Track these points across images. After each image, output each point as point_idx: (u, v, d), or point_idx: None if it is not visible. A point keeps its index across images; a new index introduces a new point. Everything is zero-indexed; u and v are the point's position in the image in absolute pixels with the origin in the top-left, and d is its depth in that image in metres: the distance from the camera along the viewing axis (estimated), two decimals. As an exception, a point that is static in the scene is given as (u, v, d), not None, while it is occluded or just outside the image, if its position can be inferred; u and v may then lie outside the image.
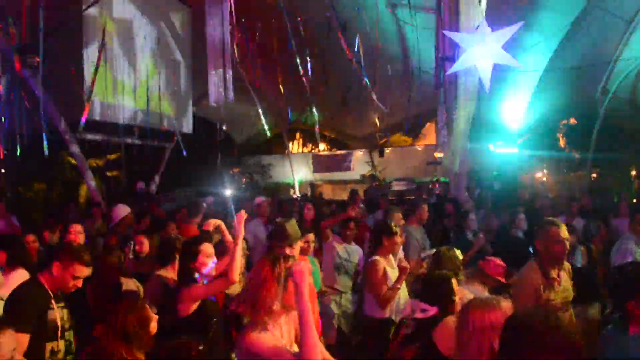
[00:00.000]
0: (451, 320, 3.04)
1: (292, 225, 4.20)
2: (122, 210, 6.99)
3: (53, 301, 3.37)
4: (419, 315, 3.33)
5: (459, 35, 6.91)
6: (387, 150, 20.77)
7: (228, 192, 9.83)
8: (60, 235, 6.84)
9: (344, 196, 16.61)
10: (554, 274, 3.72)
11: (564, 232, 3.73)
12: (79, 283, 3.43)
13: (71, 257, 3.37)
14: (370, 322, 4.80)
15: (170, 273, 4.12)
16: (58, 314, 3.37)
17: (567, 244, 3.74)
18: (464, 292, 3.81)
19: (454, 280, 3.44)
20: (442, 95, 10.67)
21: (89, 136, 12.40)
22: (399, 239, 4.92)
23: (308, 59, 13.15)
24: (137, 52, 12.88)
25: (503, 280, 4.20)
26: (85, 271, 3.42)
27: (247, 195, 13.21)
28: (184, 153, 12.10)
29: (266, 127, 14.57)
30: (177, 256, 4.03)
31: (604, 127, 16.10)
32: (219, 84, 8.12)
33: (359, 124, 20.47)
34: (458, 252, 4.42)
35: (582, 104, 16.57)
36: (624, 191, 12.83)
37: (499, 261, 4.38)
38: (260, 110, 14.29)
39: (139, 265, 5.16)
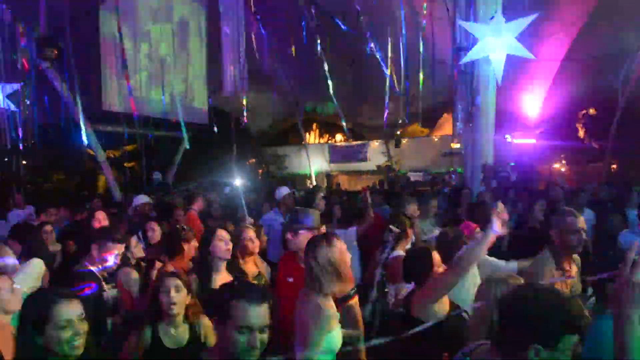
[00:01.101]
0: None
1: (316, 214, 4.20)
2: (140, 200, 7.28)
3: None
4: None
5: (474, 25, 6.84)
6: (404, 141, 20.69)
7: (239, 182, 9.78)
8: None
9: (359, 187, 16.62)
10: (566, 265, 3.64)
11: (581, 222, 3.63)
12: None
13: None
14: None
15: (178, 264, 4.18)
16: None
17: (584, 234, 3.63)
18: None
19: (434, 253, 3.43)
20: (459, 85, 10.59)
21: (107, 127, 12.55)
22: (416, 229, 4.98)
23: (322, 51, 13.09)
24: (152, 43, 12.95)
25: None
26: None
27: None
28: (188, 147, 12.09)
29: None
30: (184, 246, 4.22)
31: (624, 117, 15.83)
32: (233, 75, 8.14)
33: (375, 114, 20.41)
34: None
35: (601, 94, 16.29)
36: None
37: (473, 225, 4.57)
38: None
39: (150, 252, 5.21)
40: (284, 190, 7.65)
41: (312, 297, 2.87)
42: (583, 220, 3.68)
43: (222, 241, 3.96)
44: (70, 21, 10.14)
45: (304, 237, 3.65)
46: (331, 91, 13.66)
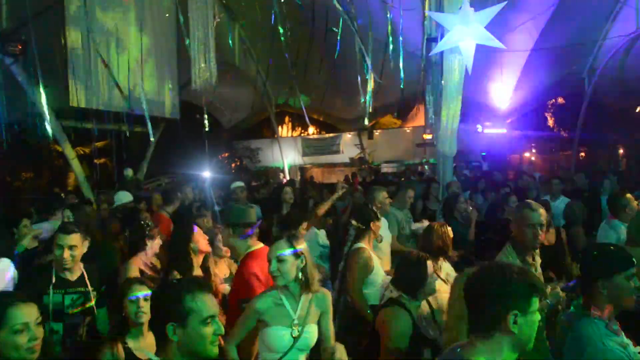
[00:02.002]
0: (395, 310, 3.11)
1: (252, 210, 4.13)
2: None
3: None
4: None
5: (442, 15, 6.88)
6: (377, 133, 20.75)
7: (208, 175, 9.65)
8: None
9: (333, 179, 16.62)
10: (529, 259, 3.55)
11: (537, 216, 3.48)
12: None
13: None
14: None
15: (140, 261, 4.15)
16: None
17: (541, 229, 3.50)
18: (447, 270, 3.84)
19: (429, 263, 3.33)
20: (430, 76, 10.63)
21: (76, 124, 12.31)
22: (381, 223, 4.91)
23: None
24: (121, 37, 12.72)
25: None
26: None
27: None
28: (152, 139, 11.91)
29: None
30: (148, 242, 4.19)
31: (591, 106, 16.15)
32: (202, 69, 8.06)
33: (347, 106, 20.42)
34: (449, 230, 4.35)
35: (569, 83, 16.58)
36: (611, 170, 12.90)
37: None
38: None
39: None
40: (236, 184, 7.78)
41: None
42: (544, 214, 3.55)
43: (202, 236, 4.08)
44: (34, 15, 9.89)
45: (228, 233, 3.66)
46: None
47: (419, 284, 3.24)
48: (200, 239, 4.10)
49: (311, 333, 3.00)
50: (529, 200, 3.83)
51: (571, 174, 11.96)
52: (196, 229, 4.19)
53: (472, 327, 1.99)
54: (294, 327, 2.93)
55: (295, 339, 2.93)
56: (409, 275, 3.27)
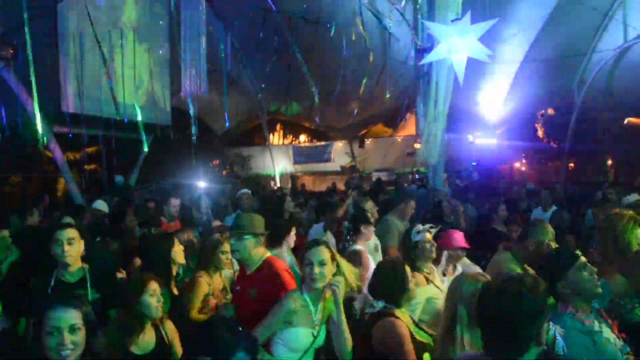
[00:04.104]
0: (393, 321, 3.04)
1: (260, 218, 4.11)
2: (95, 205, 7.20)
3: None
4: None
5: (435, 27, 6.93)
6: (367, 141, 20.81)
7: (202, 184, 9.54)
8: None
9: (324, 187, 16.63)
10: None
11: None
12: None
13: None
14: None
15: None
16: None
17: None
18: (419, 278, 3.81)
19: (407, 269, 3.26)
20: (421, 86, 10.72)
21: (66, 129, 12.23)
22: (373, 228, 4.97)
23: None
24: (114, 44, 12.70)
25: (466, 245, 4.31)
26: None
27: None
28: (146, 149, 11.89)
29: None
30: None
31: (580, 117, 16.31)
32: (193, 77, 8.06)
33: (339, 115, 20.48)
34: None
35: (559, 95, 16.75)
36: (600, 181, 13.04)
37: (456, 232, 4.48)
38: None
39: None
40: (243, 191, 7.66)
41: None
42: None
43: (180, 247, 4.11)
44: (27, 20, 9.85)
45: (248, 242, 3.60)
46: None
47: (398, 290, 3.16)
48: (179, 251, 4.13)
49: (324, 332, 3.12)
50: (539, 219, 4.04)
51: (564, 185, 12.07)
52: (176, 241, 4.20)
53: (498, 349, 2.01)
54: (314, 328, 3.04)
55: (315, 338, 3.04)
56: (388, 282, 3.19)
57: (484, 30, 6.52)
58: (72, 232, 3.65)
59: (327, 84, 15.69)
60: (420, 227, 4.07)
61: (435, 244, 4.05)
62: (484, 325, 2.05)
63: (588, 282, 2.66)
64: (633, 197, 6.43)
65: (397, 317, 3.05)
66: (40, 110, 10.99)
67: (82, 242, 3.72)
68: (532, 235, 3.93)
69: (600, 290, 2.71)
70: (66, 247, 3.58)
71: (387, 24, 11.38)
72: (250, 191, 8.07)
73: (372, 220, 5.07)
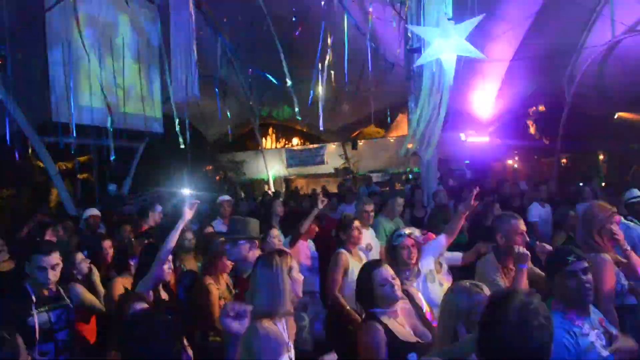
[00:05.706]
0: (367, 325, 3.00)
1: (255, 223, 4.06)
2: (89, 212, 7.22)
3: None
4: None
5: (422, 28, 6.92)
6: (360, 143, 20.81)
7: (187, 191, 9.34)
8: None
9: (318, 190, 16.59)
10: (510, 264, 3.81)
11: (522, 225, 3.87)
12: None
13: None
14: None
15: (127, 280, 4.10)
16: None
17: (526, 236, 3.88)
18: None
19: (384, 268, 3.16)
20: (412, 86, 10.70)
21: (57, 139, 12.15)
22: (356, 231, 4.93)
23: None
24: (105, 52, 12.63)
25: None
26: None
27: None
28: (140, 155, 11.80)
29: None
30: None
31: (571, 113, 16.36)
32: (184, 83, 8.04)
33: (331, 117, 20.45)
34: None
35: (550, 91, 16.80)
36: (592, 176, 13.07)
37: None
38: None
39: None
40: (223, 198, 7.59)
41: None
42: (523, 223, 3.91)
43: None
44: (15, 29, 9.80)
45: (242, 247, 3.57)
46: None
47: (367, 292, 3.10)
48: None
49: None
50: (509, 212, 4.10)
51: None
52: None
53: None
54: None
55: None
56: (360, 285, 3.18)
57: (469, 28, 6.50)
58: (56, 258, 3.52)
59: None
60: (402, 231, 4.07)
61: (415, 251, 3.98)
62: (484, 344, 1.90)
63: (574, 290, 2.69)
64: (634, 192, 6.41)
65: (376, 320, 2.99)
66: (31, 121, 10.98)
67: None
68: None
69: (591, 298, 2.72)
70: (51, 275, 3.48)
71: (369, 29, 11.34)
72: (230, 197, 8.01)
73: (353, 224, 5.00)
